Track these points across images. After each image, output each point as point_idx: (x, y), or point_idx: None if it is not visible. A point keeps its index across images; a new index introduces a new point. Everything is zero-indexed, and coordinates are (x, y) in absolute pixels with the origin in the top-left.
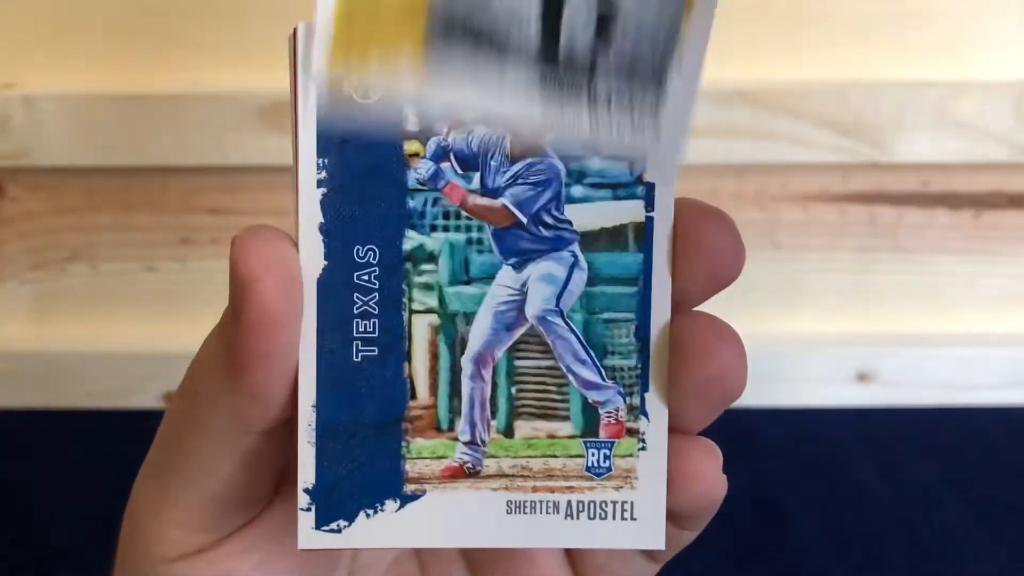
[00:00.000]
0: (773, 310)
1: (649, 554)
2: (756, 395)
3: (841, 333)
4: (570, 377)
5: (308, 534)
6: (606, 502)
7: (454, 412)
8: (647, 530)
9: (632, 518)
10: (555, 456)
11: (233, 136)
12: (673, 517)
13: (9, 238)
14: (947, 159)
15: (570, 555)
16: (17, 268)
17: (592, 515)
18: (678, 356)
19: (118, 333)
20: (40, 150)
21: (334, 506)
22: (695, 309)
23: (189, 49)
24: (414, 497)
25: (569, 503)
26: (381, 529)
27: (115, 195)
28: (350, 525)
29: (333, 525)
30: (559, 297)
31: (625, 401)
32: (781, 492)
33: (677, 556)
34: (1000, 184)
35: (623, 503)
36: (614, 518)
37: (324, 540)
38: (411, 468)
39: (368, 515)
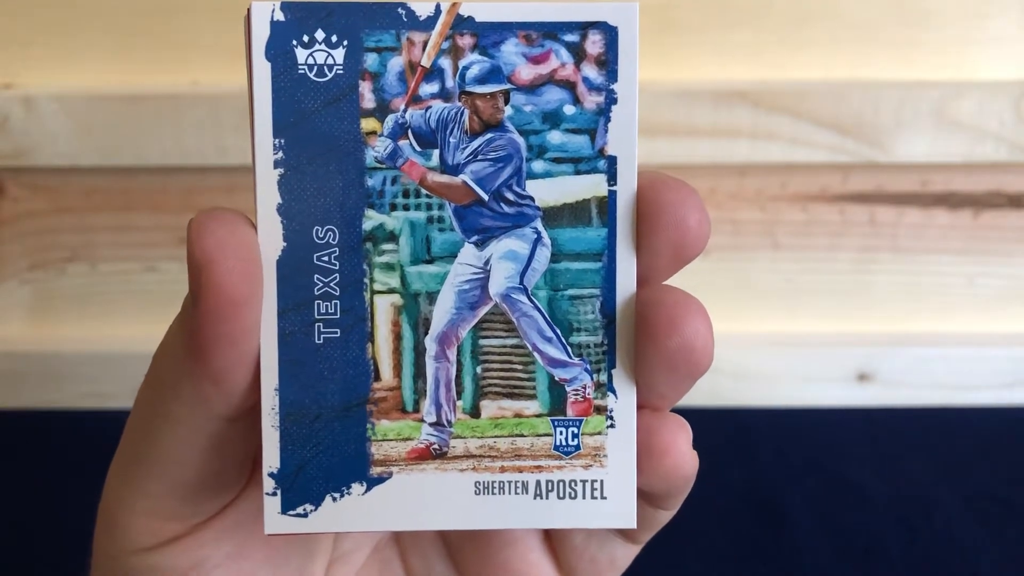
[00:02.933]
0: (773, 310)
1: (627, 535)
2: (756, 395)
3: (841, 333)
4: (536, 355)
5: (274, 519)
6: (575, 481)
7: (419, 393)
8: (618, 509)
9: (602, 496)
10: (522, 435)
11: (233, 136)
12: (645, 495)
13: (9, 238)
14: (947, 159)
15: (548, 538)
16: (17, 268)
17: (561, 494)
18: (644, 329)
19: (118, 333)
20: (40, 150)
21: (300, 490)
22: (662, 283)
23: (189, 49)
24: (380, 480)
25: (538, 483)
26: (348, 513)
27: (115, 195)
28: (317, 509)
29: (299, 509)
30: (523, 274)
31: (592, 378)
32: (781, 492)
33: (676, 555)
34: (999, 184)
35: (592, 482)
36: (584, 497)
37: (291, 525)
38: (377, 450)
39: (335, 499)
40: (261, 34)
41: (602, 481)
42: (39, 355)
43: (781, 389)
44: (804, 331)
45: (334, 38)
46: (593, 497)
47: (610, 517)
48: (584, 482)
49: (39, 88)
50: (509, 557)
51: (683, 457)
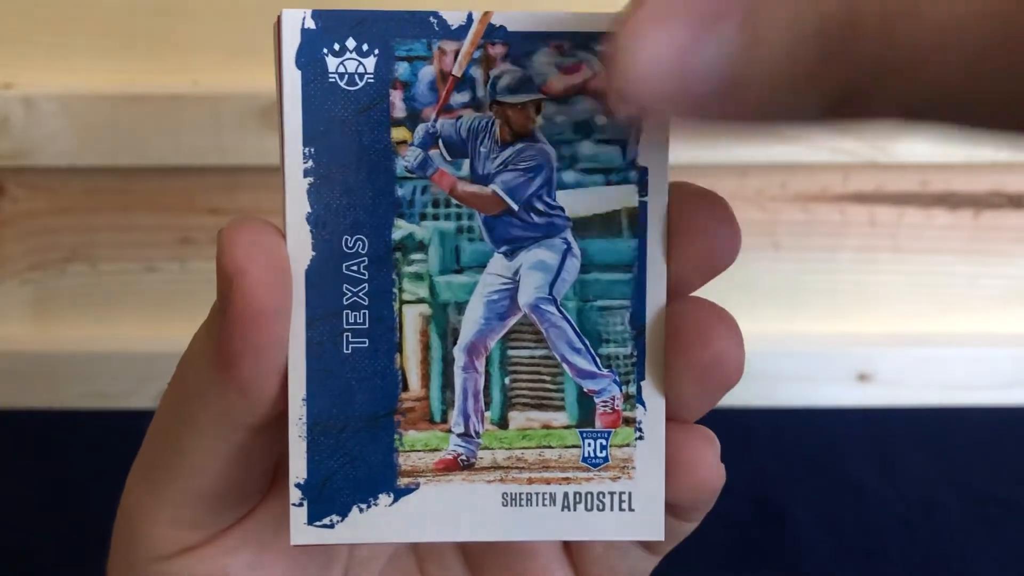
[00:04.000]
0: (773, 310)
1: (647, 546)
2: (756, 395)
3: (841, 333)
4: (565, 366)
5: (300, 529)
6: (603, 493)
7: (447, 403)
8: (646, 521)
9: (630, 508)
10: (551, 447)
11: (233, 136)
12: (671, 508)
13: (9, 238)
14: (947, 159)
15: (568, 547)
16: (17, 268)
17: (589, 506)
18: (674, 341)
19: (118, 333)
20: (40, 150)
21: (327, 501)
22: (692, 295)
23: (189, 49)
24: (408, 491)
25: (566, 495)
26: (375, 523)
27: (115, 195)
28: (343, 520)
29: (326, 520)
30: (552, 285)
31: (621, 390)
32: (781, 492)
33: (677, 555)
34: (999, 184)
35: (621, 494)
36: (612, 509)
37: (317, 535)
38: (404, 461)
39: (361, 509)
40: (292, 42)
41: (630, 493)
42: (39, 355)
43: (781, 389)
44: (804, 331)
45: (365, 46)
46: (621, 509)
47: (638, 529)
48: (612, 494)
49: (39, 88)
50: (529, 567)
51: (711, 470)
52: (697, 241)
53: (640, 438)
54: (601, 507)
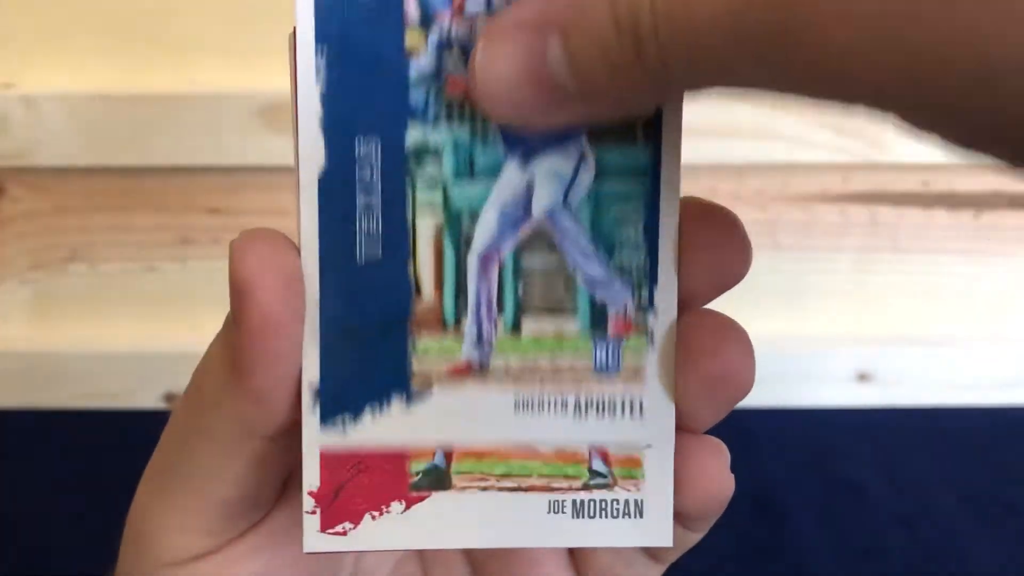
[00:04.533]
0: (774, 310)
1: (653, 554)
2: (756, 395)
3: (841, 333)
4: (577, 274)
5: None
6: (615, 397)
7: (460, 310)
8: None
9: (640, 414)
10: (563, 352)
11: (233, 136)
12: (680, 517)
13: (9, 238)
14: (947, 159)
15: (573, 555)
16: (17, 268)
17: (600, 411)
18: (685, 355)
19: (118, 333)
20: (40, 150)
21: (340, 401)
22: (703, 308)
23: (189, 49)
24: (421, 394)
25: (577, 401)
26: (389, 432)
27: (115, 195)
28: (356, 421)
29: (338, 422)
30: (566, 192)
31: (633, 297)
32: (781, 492)
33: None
34: (1000, 184)
35: (631, 400)
36: (623, 414)
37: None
38: (418, 366)
39: (374, 413)
40: None
41: (642, 401)
42: (39, 355)
43: (781, 389)
44: (804, 331)
45: None
46: (631, 416)
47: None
48: (623, 400)
49: (39, 88)
50: (534, 573)
51: (721, 481)
52: (707, 256)
53: (651, 344)
54: (612, 412)
